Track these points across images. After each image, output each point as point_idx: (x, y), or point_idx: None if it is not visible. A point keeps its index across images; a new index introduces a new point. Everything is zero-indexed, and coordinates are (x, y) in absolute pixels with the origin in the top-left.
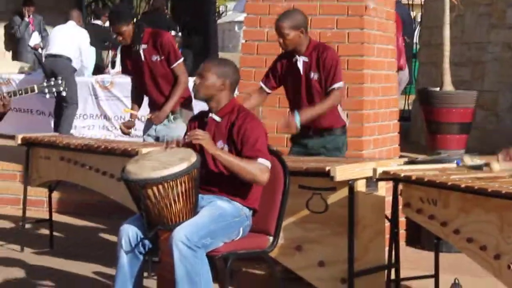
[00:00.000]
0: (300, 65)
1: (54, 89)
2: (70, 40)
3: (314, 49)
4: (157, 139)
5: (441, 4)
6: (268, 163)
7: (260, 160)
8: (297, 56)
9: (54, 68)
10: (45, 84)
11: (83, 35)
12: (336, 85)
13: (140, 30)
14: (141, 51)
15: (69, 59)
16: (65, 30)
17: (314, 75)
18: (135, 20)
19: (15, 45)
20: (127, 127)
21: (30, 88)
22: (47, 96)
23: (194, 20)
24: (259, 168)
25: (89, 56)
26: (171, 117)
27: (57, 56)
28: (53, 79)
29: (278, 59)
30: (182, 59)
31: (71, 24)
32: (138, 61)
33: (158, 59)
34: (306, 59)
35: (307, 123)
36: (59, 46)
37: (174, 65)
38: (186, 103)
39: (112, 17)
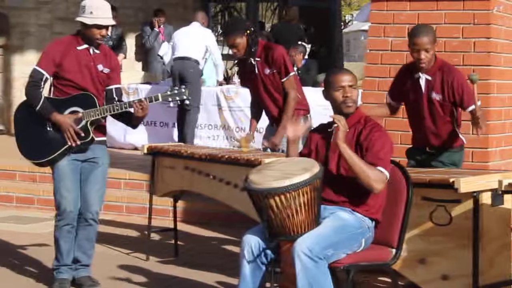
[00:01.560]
0: (422, 83)
1: (177, 98)
2: (195, 40)
3: (439, 69)
4: (272, 150)
5: None
6: (387, 173)
7: (380, 168)
8: (419, 73)
9: (182, 71)
10: (169, 92)
11: (208, 35)
12: (470, 108)
13: (254, 42)
14: (255, 64)
15: (197, 62)
16: (189, 32)
17: (436, 96)
18: (249, 32)
19: (145, 55)
20: (246, 141)
21: (154, 97)
22: (171, 104)
23: (319, 29)
24: (377, 175)
25: (218, 53)
26: None
27: (185, 59)
28: (177, 88)
29: (400, 74)
30: (293, 74)
31: (195, 25)
32: (252, 74)
33: (270, 72)
34: (429, 78)
35: (425, 142)
36: (185, 48)
37: (284, 79)
38: (305, 114)
39: (226, 29)
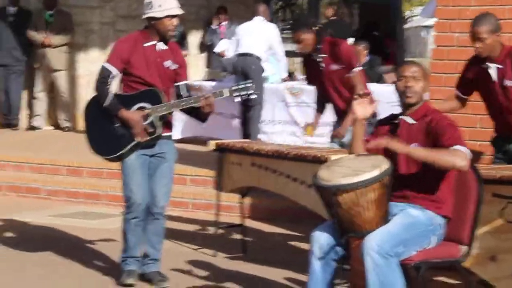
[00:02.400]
0: (493, 72)
1: (243, 93)
2: (258, 36)
3: (508, 56)
4: (341, 145)
5: None
6: (466, 150)
7: (457, 147)
8: (487, 63)
9: (244, 67)
10: (234, 88)
11: (272, 29)
12: None
13: (321, 39)
14: (320, 60)
15: (259, 58)
16: (252, 28)
17: (508, 83)
18: (315, 28)
19: (207, 52)
20: (311, 129)
21: (220, 93)
22: (235, 100)
23: (381, 26)
24: (457, 155)
25: (280, 49)
26: None
27: (247, 55)
28: (243, 82)
29: (468, 66)
30: (359, 68)
31: (258, 20)
32: (318, 70)
33: (337, 68)
34: (500, 66)
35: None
36: (248, 45)
37: (351, 74)
38: None
39: (293, 24)
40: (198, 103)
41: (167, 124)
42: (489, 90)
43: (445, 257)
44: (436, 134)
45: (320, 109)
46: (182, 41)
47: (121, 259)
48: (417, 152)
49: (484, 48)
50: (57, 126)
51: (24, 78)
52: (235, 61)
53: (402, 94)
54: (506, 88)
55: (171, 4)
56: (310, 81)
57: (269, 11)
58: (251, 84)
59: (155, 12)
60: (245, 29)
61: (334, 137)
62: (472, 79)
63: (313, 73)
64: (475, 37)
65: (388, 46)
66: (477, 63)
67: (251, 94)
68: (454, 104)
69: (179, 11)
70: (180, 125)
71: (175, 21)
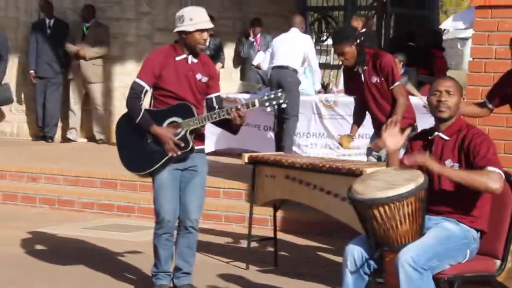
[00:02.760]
0: None
1: (274, 102)
2: (294, 48)
3: None
4: (379, 158)
5: None
6: (499, 171)
7: (490, 168)
8: None
9: (280, 80)
10: (265, 97)
11: (307, 41)
12: None
13: (363, 51)
14: (362, 72)
15: (295, 71)
16: (288, 39)
17: None
18: (358, 41)
19: (242, 65)
20: (346, 141)
21: (251, 103)
22: (268, 109)
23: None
24: (490, 176)
25: (315, 60)
26: None
27: (283, 68)
28: (273, 92)
29: (505, 77)
30: (400, 82)
31: (294, 31)
32: (359, 82)
33: (378, 80)
34: None
35: None
36: (284, 57)
37: (392, 86)
38: (411, 123)
39: (335, 37)
40: (229, 115)
41: (200, 137)
42: None
43: (479, 271)
44: (469, 153)
45: (357, 121)
46: (218, 53)
47: (152, 273)
48: (452, 174)
49: None
50: (91, 139)
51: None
52: (271, 73)
53: (435, 108)
54: None
55: (202, 18)
56: (349, 93)
57: (305, 22)
58: (281, 94)
59: (186, 26)
60: (280, 40)
61: (372, 149)
62: (507, 91)
63: (353, 85)
64: None
65: (436, 56)
66: None
67: (282, 103)
68: (478, 110)
69: (210, 25)
70: (214, 137)
71: (205, 35)
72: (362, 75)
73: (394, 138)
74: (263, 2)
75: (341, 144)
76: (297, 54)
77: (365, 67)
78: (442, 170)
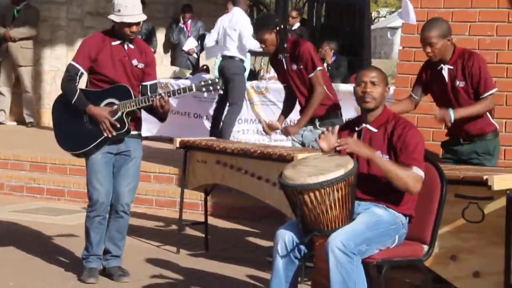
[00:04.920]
0: (445, 73)
1: (211, 87)
2: (237, 37)
3: (459, 57)
4: (302, 144)
5: None
6: (422, 174)
7: (415, 169)
8: (441, 65)
9: (224, 69)
10: (202, 82)
11: (241, 18)
12: (489, 92)
13: (284, 39)
14: (283, 60)
15: (241, 60)
16: (235, 23)
17: (460, 83)
18: (278, 28)
19: (172, 51)
20: (270, 128)
21: (188, 88)
22: (205, 94)
23: (348, 26)
24: (413, 177)
25: (249, 36)
26: (317, 123)
27: (228, 58)
28: (210, 77)
29: (423, 68)
30: (319, 69)
31: (237, 12)
32: (282, 70)
33: (297, 68)
34: (451, 67)
35: (458, 130)
36: (228, 47)
37: (311, 75)
38: (332, 110)
39: (255, 24)
40: (152, 102)
41: (136, 121)
42: (442, 92)
43: (407, 256)
44: (398, 147)
45: (284, 111)
46: (150, 38)
47: (82, 257)
48: (378, 160)
49: (435, 53)
50: (20, 122)
51: None
52: (220, 64)
53: (360, 99)
54: (456, 89)
55: (131, 11)
56: (280, 80)
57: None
58: (218, 80)
59: (114, 16)
60: (226, 22)
61: (282, 133)
62: (426, 80)
63: (279, 73)
64: (425, 42)
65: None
66: (431, 65)
67: (218, 89)
68: (408, 105)
69: (136, 20)
70: (145, 124)
71: (133, 28)
72: (284, 63)
73: (328, 141)
74: None
75: (266, 132)
76: (239, 42)
77: (286, 55)
78: (372, 155)
